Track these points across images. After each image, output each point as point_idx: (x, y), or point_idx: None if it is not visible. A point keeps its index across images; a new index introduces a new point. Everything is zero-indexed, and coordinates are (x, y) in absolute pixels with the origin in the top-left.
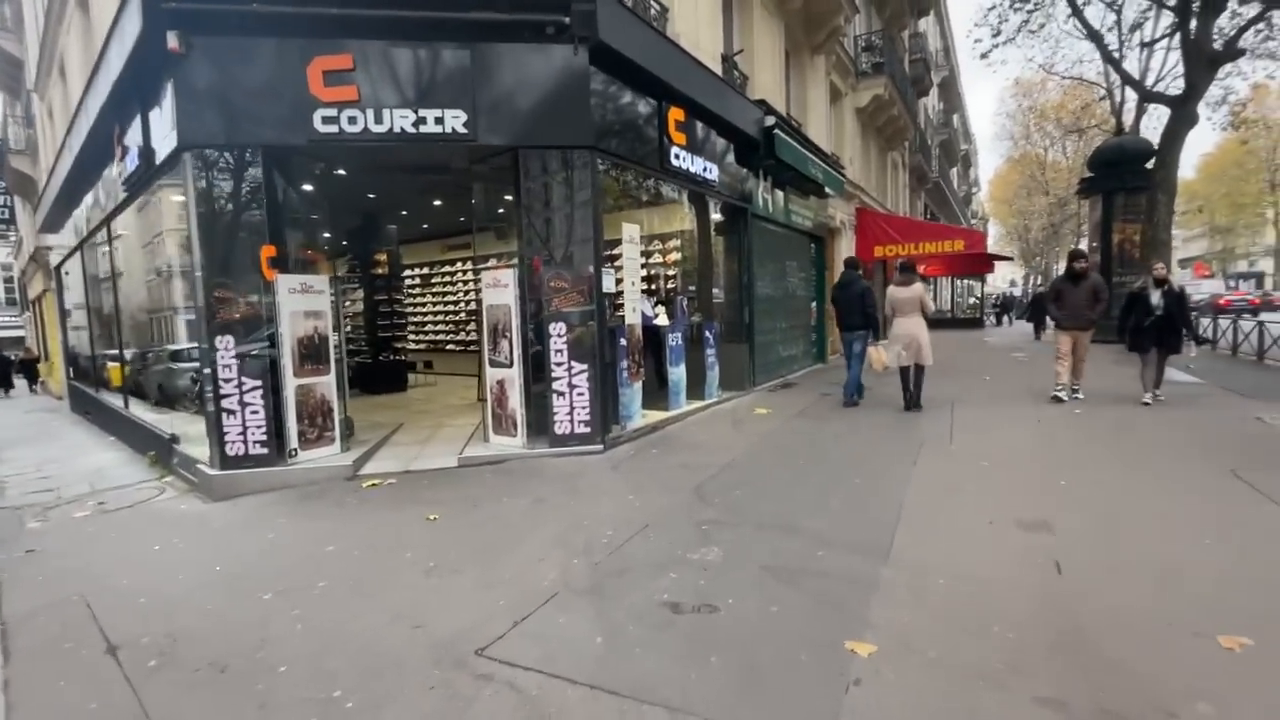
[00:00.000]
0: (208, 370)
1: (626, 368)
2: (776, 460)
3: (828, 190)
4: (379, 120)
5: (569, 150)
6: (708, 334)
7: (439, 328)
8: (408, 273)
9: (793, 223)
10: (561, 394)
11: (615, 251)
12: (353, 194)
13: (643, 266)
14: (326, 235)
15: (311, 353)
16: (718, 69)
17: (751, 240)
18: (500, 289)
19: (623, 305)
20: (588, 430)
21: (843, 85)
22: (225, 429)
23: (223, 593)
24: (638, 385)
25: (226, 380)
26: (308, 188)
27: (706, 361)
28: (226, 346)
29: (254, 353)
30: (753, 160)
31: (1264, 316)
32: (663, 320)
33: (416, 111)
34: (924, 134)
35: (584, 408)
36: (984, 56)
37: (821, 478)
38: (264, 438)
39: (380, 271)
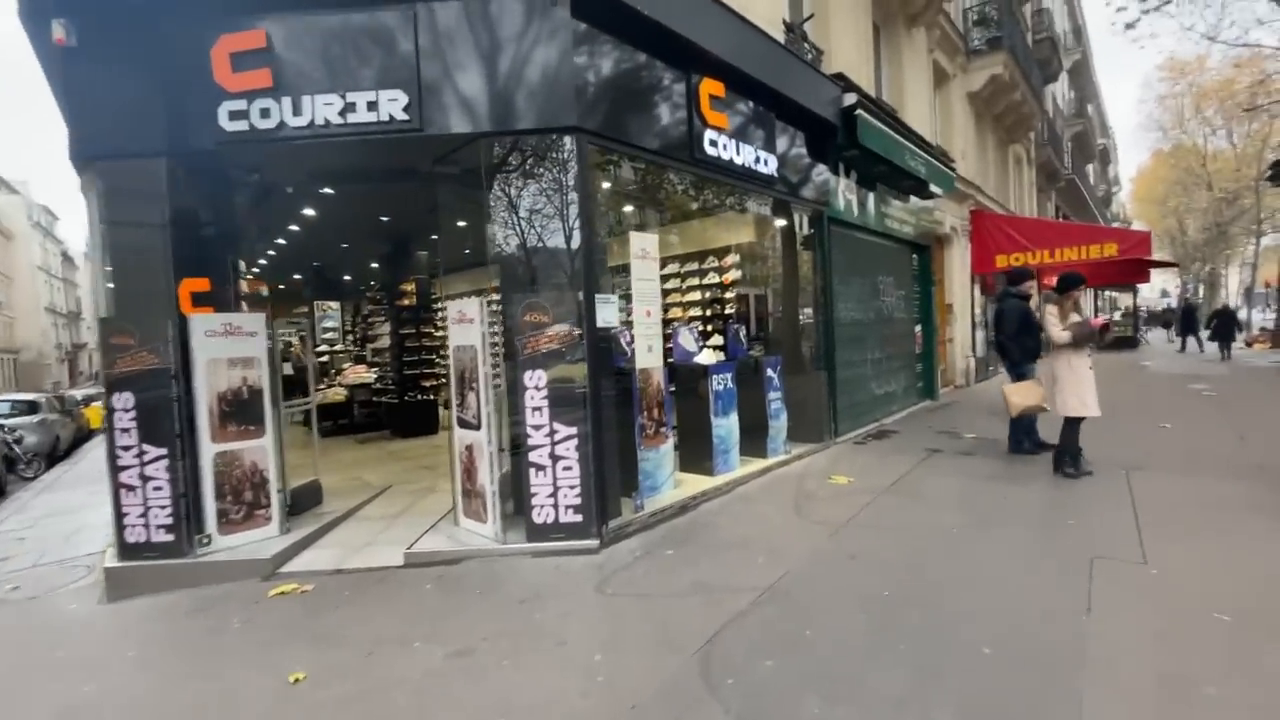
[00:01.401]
0: (107, 434)
1: (643, 427)
2: (849, 583)
3: (933, 188)
4: (297, 111)
5: (545, 135)
6: (769, 371)
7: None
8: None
9: (888, 229)
10: (541, 468)
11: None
12: (362, 216)
13: (696, 289)
14: (373, 264)
15: (238, 410)
16: (778, 36)
17: (830, 251)
18: (466, 325)
19: (638, 342)
20: (578, 519)
21: (950, 66)
22: (125, 509)
23: None
24: (665, 448)
25: (125, 448)
26: (282, 206)
27: (769, 407)
28: (125, 405)
29: (159, 412)
30: (830, 151)
31: None
32: (708, 357)
33: (343, 96)
34: (1053, 124)
35: (572, 487)
36: (1129, 27)
37: (921, 635)
38: (169, 520)
39: (406, 303)
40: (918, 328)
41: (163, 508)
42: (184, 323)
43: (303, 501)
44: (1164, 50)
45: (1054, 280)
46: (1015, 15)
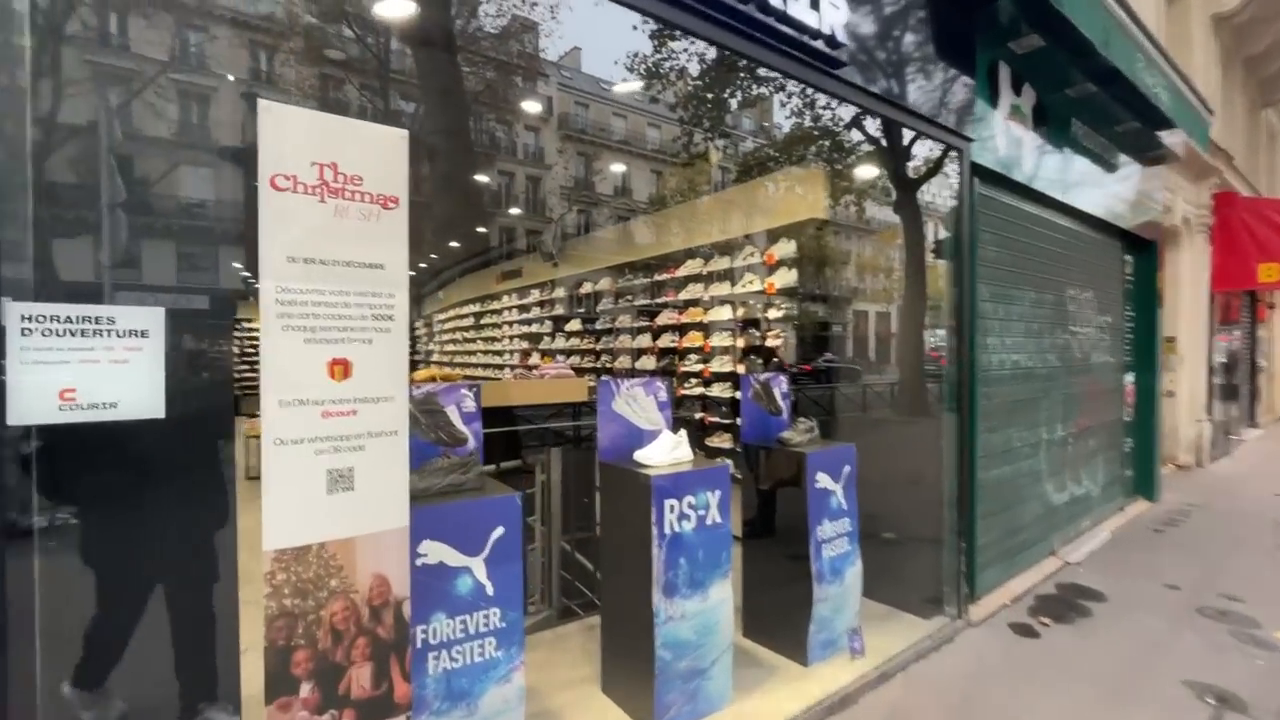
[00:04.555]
0: None
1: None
2: None
3: (1166, 142)
4: None
5: None
6: (824, 477)
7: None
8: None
9: (1086, 204)
10: None
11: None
12: None
13: (726, 302)
14: None
15: None
16: None
17: (975, 234)
18: None
19: (273, 461)
20: None
21: None
22: None
23: None
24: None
25: None
26: None
27: (817, 558)
28: None
29: None
30: (976, 37)
31: None
32: (665, 450)
33: None
34: None
35: None
36: None
37: None
38: None
39: None
40: (1129, 378)
41: None
42: None
43: None
44: None
45: None
46: None
